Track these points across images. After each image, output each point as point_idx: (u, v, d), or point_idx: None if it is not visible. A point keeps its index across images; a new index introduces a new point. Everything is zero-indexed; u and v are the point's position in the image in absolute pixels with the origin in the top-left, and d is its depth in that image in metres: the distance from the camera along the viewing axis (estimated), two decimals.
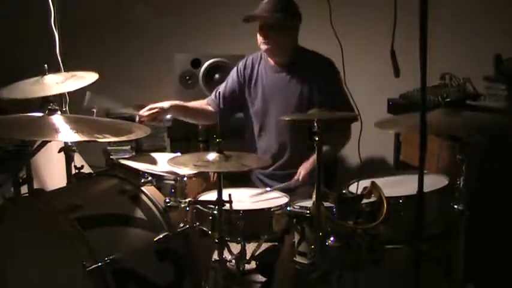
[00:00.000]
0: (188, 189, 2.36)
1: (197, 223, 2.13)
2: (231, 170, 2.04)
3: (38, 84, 2.48)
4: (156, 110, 2.68)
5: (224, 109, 2.85)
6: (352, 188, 2.10)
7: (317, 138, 1.88)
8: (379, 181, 2.00)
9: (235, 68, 2.89)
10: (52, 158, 2.63)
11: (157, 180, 2.21)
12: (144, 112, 2.67)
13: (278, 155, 2.73)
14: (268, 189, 2.45)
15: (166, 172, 2.31)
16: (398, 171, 2.77)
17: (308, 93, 2.67)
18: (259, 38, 2.67)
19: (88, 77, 2.53)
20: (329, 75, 2.66)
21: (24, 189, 2.34)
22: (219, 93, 2.86)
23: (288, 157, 2.73)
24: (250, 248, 2.26)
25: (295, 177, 2.59)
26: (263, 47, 2.67)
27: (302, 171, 2.59)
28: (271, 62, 2.78)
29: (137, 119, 2.67)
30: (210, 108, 2.87)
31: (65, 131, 1.97)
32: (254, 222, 2.14)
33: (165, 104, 2.73)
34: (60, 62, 3.05)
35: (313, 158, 2.51)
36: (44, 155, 2.46)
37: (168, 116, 3.56)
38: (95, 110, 2.54)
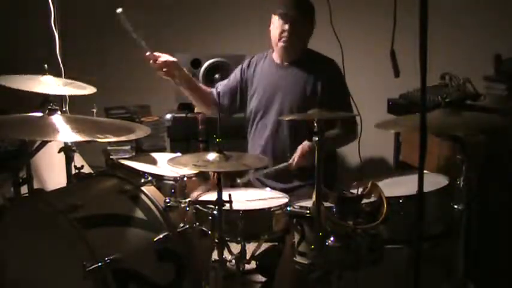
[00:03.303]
0: (188, 189, 2.36)
1: (197, 223, 2.13)
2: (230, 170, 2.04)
3: (36, 81, 2.47)
4: (171, 60, 2.68)
5: (221, 106, 2.83)
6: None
7: (317, 138, 1.88)
8: (379, 181, 2.00)
9: (239, 66, 2.89)
10: (52, 158, 2.62)
11: (157, 180, 2.21)
12: (160, 55, 2.67)
13: (278, 154, 2.72)
14: (268, 189, 2.45)
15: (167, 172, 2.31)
16: (398, 171, 2.77)
17: (311, 91, 2.67)
18: (280, 33, 2.64)
19: (86, 88, 2.54)
20: (333, 75, 2.65)
21: (24, 189, 2.34)
22: (218, 89, 2.84)
23: (288, 156, 2.72)
24: (250, 248, 2.26)
25: (292, 159, 2.58)
26: (282, 44, 2.66)
27: (299, 151, 2.58)
28: (276, 59, 2.77)
29: (148, 53, 2.64)
30: (212, 97, 2.87)
31: (65, 131, 1.97)
32: (254, 222, 2.14)
33: (180, 66, 2.74)
34: (60, 62, 3.05)
35: (311, 142, 2.48)
36: (44, 155, 2.46)
37: (168, 116, 3.57)
38: (94, 111, 2.54)
